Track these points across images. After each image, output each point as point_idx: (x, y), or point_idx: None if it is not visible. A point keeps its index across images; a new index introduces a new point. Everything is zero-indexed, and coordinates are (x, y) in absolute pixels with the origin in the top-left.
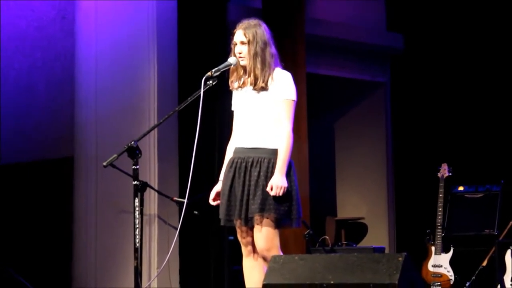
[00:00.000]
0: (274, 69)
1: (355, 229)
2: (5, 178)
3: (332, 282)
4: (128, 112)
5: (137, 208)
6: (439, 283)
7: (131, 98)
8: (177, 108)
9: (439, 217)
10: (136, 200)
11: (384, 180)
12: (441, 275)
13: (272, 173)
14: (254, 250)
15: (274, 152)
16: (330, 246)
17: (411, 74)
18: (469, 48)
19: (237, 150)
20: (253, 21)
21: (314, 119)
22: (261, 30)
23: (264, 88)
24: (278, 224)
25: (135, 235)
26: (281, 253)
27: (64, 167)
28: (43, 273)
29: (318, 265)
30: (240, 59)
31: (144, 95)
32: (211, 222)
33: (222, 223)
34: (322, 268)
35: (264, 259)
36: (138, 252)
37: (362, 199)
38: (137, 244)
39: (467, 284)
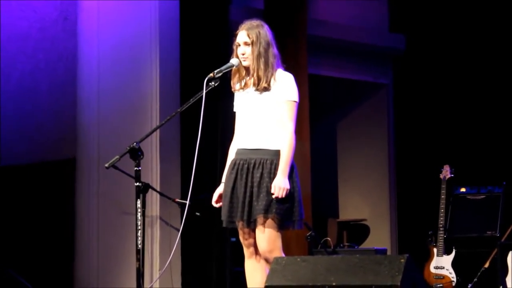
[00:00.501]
0: (276, 70)
1: (357, 231)
2: (7, 179)
3: (334, 283)
4: (130, 113)
5: (139, 210)
6: (441, 285)
7: (133, 99)
8: (179, 110)
9: (441, 218)
10: (138, 201)
11: (386, 181)
12: (443, 277)
13: (274, 174)
14: (256, 251)
15: (277, 153)
16: (332, 247)
17: (413, 75)
18: (471, 49)
19: (239, 152)
20: (255, 22)
21: (316, 120)
22: (264, 30)
23: (267, 89)
24: (281, 225)
25: (137, 237)
26: (283, 255)
27: (66, 168)
28: (46, 275)
29: (320, 266)
30: (243, 60)
31: (146, 96)
32: (213, 224)
33: (224, 225)
34: (324, 270)
35: (266, 260)
36: (140, 254)
37: (364, 201)
38: (139, 246)
39: (469, 285)
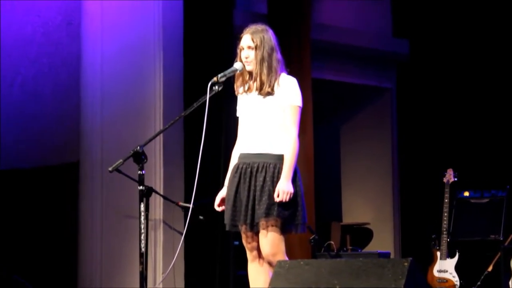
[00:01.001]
0: (280, 75)
1: (361, 234)
2: (11, 183)
3: (337, 287)
4: (134, 117)
5: (142, 213)
6: None
7: (137, 103)
8: (183, 114)
9: (445, 222)
10: (142, 205)
11: (390, 185)
12: (446, 281)
13: (278, 179)
14: (259, 255)
15: (280, 157)
16: (335, 251)
17: (417, 79)
18: (475, 54)
19: (242, 156)
20: (260, 26)
21: (320, 124)
22: (269, 35)
23: (270, 94)
24: (284, 229)
25: (140, 240)
26: (286, 258)
27: (69, 172)
28: (49, 278)
29: (324, 270)
30: (246, 63)
31: (150, 100)
32: (216, 227)
33: (227, 229)
34: (327, 273)
35: (270, 264)
36: (143, 257)
37: (368, 204)
38: (143, 249)
39: None
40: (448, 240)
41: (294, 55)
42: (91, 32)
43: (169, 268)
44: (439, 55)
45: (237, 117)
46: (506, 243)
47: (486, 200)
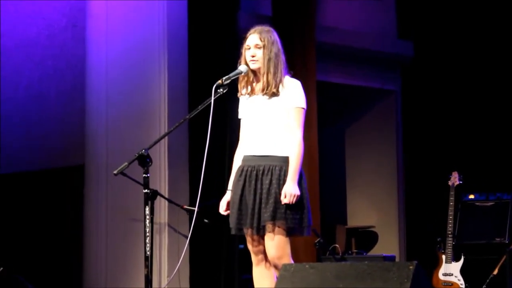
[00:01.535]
0: (284, 77)
1: (366, 238)
2: (16, 186)
3: None
4: (139, 120)
5: (147, 216)
6: None
7: (141, 106)
8: (187, 116)
9: (450, 225)
10: (147, 208)
11: (395, 188)
12: (451, 284)
13: (284, 181)
14: (265, 258)
15: (285, 159)
16: (340, 254)
17: (422, 81)
18: (480, 56)
19: (247, 158)
20: (266, 27)
21: (324, 126)
22: (275, 36)
23: (275, 95)
24: (290, 232)
25: (145, 243)
26: (292, 261)
27: (74, 175)
28: (55, 281)
29: (329, 273)
30: (252, 62)
31: (155, 102)
32: (221, 231)
33: (232, 232)
34: (332, 277)
35: (275, 267)
36: (148, 261)
37: (373, 207)
38: (148, 253)
39: None
40: (454, 243)
41: (299, 57)
42: (96, 35)
43: (174, 272)
44: (443, 57)
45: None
46: (511, 246)
47: (491, 203)
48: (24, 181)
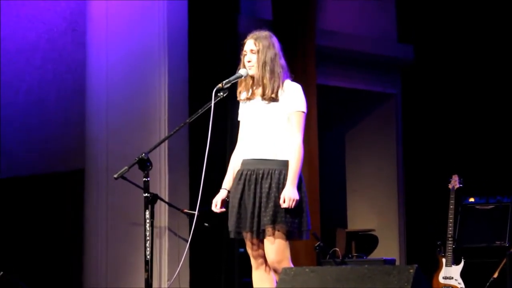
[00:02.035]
0: (284, 81)
1: (366, 241)
2: (16, 190)
3: None
4: (139, 124)
5: (147, 220)
6: None
7: (142, 110)
8: (188, 120)
9: (450, 228)
10: (147, 212)
11: (395, 191)
12: (452, 287)
13: (283, 185)
14: (264, 262)
15: (285, 163)
16: (340, 258)
17: (422, 85)
18: (480, 59)
19: (246, 162)
20: (264, 32)
21: (325, 130)
22: (272, 41)
23: (274, 99)
24: (289, 236)
25: (145, 247)
26: (291, 265)
27: (75, 179)
28: (55, 286)
29: (329, 277)
30: (248, 68)
31: (155, 106)
32: (221, 234)
33: (231, 236)
34: (333, 280)
35: (275, 271)
36: (148, 265)
37: (373, 211)
38: (148, 256)
39: None
40: (454, 246)
41: (299, 61)
42: (96, 39)
43: (174, 275)
44: (444, 61)
45: (239, 122)
46: (511, 249)
47: (491, 206)
48: (24, 185)
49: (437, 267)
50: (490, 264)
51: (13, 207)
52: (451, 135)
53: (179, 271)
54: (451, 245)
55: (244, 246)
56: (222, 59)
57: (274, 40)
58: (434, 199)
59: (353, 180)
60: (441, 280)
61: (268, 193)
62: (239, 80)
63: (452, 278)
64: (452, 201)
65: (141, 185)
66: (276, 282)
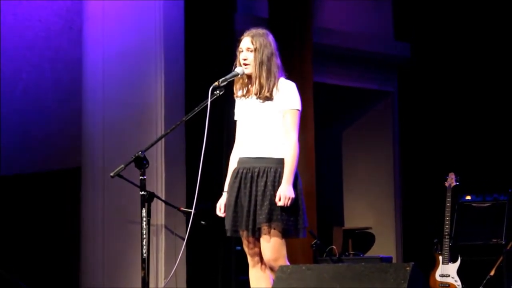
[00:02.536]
0: (278, 80)
1: (363, 239)
2: (13, 188)
3: None
4: (136, 122)
5: (144, 219)
6: None
7: (138, 108)
8: (184, 118)
9: (447, 226)
10: (143, 210)
11: (392, 189)
12: (448, 285)
13: (279, 183)
14: (261, 260)
15: (281, 161)
16: (337, 256)
17: (419, 83)
18: (477, 57)
19: (242, 160)
20: (261, 30)
21: (321, 128)
22: (269, 39)
23: (269, 98)
24: (285, 234)
25: (142, 246)
26: (288, 263)
27: (71, 177)
28: (51, 283)
29: (326, 275)
30: (244, 66)
31: (152, 105)
32: (218, 232)
33: (228, 234)
34: (329, 278)
35: (271, 269)
36: (145, 263)
37: (370, 209)
38: (144, 255)
39: None
40: (450, 244)
41: (296, 59)
42: (93, 37)
43: (171, 273)
44: (440, 58)
45: (236, 122)
46: (508, 247)
47: (488, 204)
48: (21, 183)
49: (434, 265)
50: (487, 262)
51: (9, 205)
52: (447, 133)
53: (175, 269)
54: (447, 243)
55: (241, 244)
56: (218, 57)
57: (271, 38)
58: (430, 197)
59: (350, 178)
60: (437, 278)
61: (264, 191)
62: (235, 78)
63: (449, 275)
64: (448, 199)
65: (138, 183)
66: (273, 280)
